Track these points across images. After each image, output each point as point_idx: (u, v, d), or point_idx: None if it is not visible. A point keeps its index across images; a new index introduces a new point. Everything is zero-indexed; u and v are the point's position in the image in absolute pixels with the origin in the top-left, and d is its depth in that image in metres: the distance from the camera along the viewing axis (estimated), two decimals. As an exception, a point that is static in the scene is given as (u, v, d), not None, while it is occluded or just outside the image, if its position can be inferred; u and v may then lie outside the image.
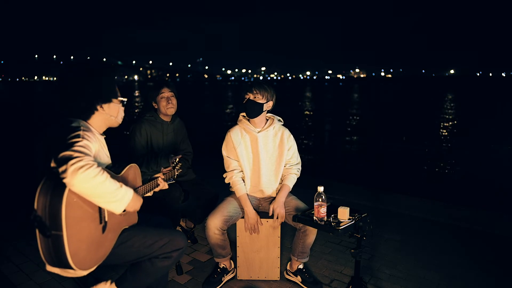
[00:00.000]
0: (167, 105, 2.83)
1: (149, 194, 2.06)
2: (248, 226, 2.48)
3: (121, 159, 1.98)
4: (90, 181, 1.42)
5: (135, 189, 1.87)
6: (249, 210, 2.48)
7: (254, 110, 2.48)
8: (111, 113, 1.79)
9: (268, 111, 2.58)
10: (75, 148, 1.47)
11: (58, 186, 1.43)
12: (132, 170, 1.89)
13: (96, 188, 1.45)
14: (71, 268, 1.47)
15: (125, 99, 1.86)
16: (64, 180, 1.40)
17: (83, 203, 1.51)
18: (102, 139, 1.81)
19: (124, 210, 1.72)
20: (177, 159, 2.35)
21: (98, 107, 1.74)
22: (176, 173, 2.30)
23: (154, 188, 2.05)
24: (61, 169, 1.40)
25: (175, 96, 2.90)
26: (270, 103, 2.52)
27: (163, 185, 2.09)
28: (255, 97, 2.46)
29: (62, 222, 1.41)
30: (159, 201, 2.73)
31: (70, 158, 1.42)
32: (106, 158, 1.79)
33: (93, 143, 1.61)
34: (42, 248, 1.48)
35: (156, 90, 2.85)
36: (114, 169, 1.76)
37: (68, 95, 1.69)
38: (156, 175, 2.10)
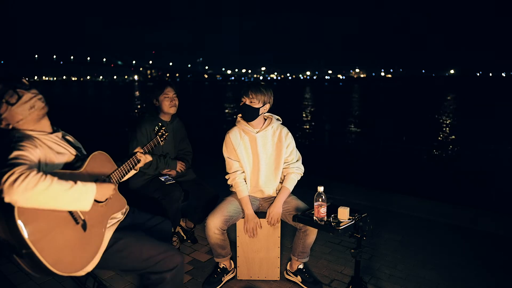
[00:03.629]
0: (170, 103, 2.87)
1: (133, 172, 1.99)
2: (248, 229, 2.48)
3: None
4: (31, 191, 1.30)
5: (109, 176, 1.77)
6: (250, 213, 2.47)
7: (250, 115, 2.46)
8: (14, 120, 1.60)
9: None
10: (7, 163, 1.38)
11: (6, 208, 1.33)
12: (98, 159, 1.76)
13: (43, 196, 1.34)
14: (59, 275, 1.43)
15: (10, 99, 1.58)
16: (5, 200, 1.29)
17: (45, 212, 1.41)
18: (51, 137, 1.69)
19: (106, 200, 1.68)
20: (160, 124, 2.23)
21: (2, 120, 1.59)
22: (160, 139, 2.17)
23: (136, 164, 1.96)
24: None
25: (177, 96, 2.94)
26: (267, 106, 2.50)
27: (145, 158, 2.00)
28: (251, 102, 2.43)
29: (26, 241, 1.33)
30: (159, 201, 2.74)
31: (2, 175, 1.31)
32: (60, 157, 1.66)
33: (31, 150, 1.50)
34: (26, 266, 1.42)
35: (160, 89, 2.87)
36: (76, 166, 1.67)
37: None
38: (135, 150, 2.00)
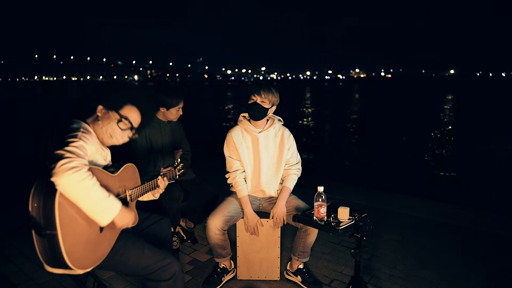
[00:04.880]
0: (177, 114, 2.87)
1: (150, 196, 2.04)
2: (248, 228, 2.48)
3: (123, 161, 1.95)
4: (77, 184, 1.40)
5: (134, 188, 1.86)
6: (249, 212, 2.47)
7: (258, 114, 2.45)
8: (103, 123, 1.72)
9: None
10: (69, 148, 1.46)
11: (51, 186, 1.42)
12: (129, 170, 1.87)
13: (82, 193, 1.43)
14: (68, 267, 1.46)
15: (126, 122, 1.75)
16: (52, 178, 1.39)
17: None
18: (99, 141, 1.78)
19: None
20: (179, 160, 2.34)
21: (98, 112, 1.73)
22: (178, 173, 2.27)
23: (155, 188, 2.01)
24: (51, 167, 1.39)
25: None
26: (274, 108, 2.52)
27: (164, 183, 2.05)
28: (262, 101, 2.42)
29: (56, 221, 1.40)
30: (159, 201, 2.74)
31: (62, 157, 1.41)
32: (103, 161, 1.77)
33: (89, 145, 1.59)
34: (39, 248, 1.48)
35: (176, 100, 2.80)
36: (111, 170, 1.75)
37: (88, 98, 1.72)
38: (161, 173, 2.07)
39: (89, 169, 1.49)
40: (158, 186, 2.03)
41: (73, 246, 1.47)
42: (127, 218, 1.67)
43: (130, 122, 1.76)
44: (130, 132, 1.80)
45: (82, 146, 1.52)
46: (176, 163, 2.30)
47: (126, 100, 1.76)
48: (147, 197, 2.05)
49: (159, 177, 2.04)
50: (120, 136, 1.77)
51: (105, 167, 1.76)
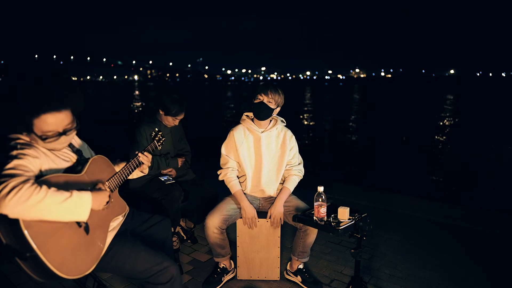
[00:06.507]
0: (172, 122, 2.88)
1: (139, 173, 1.97)
2: (246, 221, 2.47)
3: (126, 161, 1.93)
4: (23, 205, 1.27)
5: (111, 178, 1.76)
6: (246, 204, 2.47)
7: (264, 114, 2.46)
8: (41, 131, 1.50)
9: None
10: (3, 172, 1.34)
11: None
12: (98, 162, 1.75)
13: (36, 209, 1.30)
14: (63, 278, 1.41)
15: (50, 134, 1.51)
16: None
17: None
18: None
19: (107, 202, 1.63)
20: (156, 129, 2.18)
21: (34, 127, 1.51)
22: (157, 144, 2.13)
23: (136, 167, 1.92)
24: None
25: None
26: (279, 109, 2.53)
27: (148, 158, 1.95)
28: (268, 101, 2.42)
29: (31, 243, 1.32)
30: (159, 201, 2.74)
31: None
32: (63, 163, 1.63)
33: (31, 159, 1.46)
34: (28, 270, 1.40)
35: (176, 111, 2.79)
36: (77, 170, 1.65)
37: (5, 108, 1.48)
38: (137, 152, 1.95)
39: (41, 181, 1.38)
40: (141, 163, 1.93)
41: (60, 260, 1.40)
42: (103, 198, 1.57)
43: (50, 132, 1.50)
44: (65, 135, 1.56)
45: (18, 165, 1.40)
46: (154, 133, 2.14)
47: (43, 95, 1.46)
48: (136, 174, 1.99)
49: (139, 153, 1.93)
50: (63, 142, 1.59)
51: (73, 168, 1.66)
